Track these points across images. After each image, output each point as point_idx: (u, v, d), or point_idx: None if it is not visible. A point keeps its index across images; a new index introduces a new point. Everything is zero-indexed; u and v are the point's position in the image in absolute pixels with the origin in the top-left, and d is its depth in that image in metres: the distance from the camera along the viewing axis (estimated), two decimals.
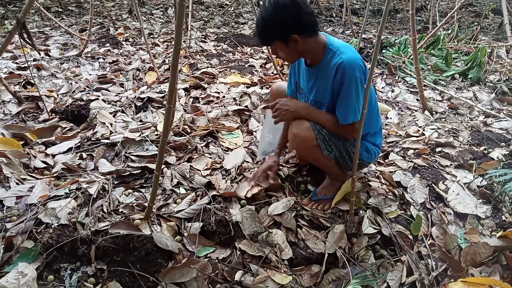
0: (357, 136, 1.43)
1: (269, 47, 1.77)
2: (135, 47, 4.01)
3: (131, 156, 1.98)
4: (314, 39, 1.51)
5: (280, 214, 1.68)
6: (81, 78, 3.00)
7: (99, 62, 3.41)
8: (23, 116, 2.33)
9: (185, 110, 2.58)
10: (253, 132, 2.38)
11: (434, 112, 2.77)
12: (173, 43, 3.75)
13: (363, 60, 1.54)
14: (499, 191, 1.80)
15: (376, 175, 1.98)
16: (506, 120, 2.59)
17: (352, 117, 1.52)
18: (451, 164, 2.07)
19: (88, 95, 2.69)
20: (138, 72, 3.23)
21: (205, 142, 2.20)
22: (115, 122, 2.33)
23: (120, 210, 1.61)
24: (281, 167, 1.98)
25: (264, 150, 1.90)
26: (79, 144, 2.07)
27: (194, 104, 2.68)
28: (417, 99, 2.97)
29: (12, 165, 1.79)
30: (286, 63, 3.71)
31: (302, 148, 1.66)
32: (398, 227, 1.68)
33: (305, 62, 1.66)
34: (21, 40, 1.99)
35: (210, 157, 2.04)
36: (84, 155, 1.98)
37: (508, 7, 4.01)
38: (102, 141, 2.08)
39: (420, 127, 2.55)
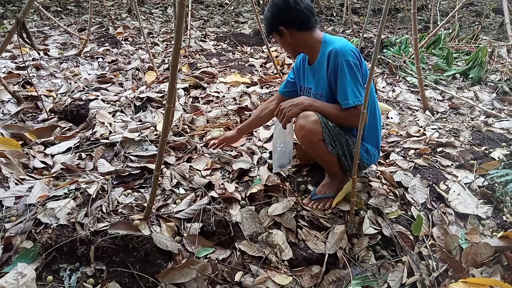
0: (358, 132, 1.41)
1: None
2: (135, 47, 4.00)
3: (131, 156, 1.98)
4: (307, 34, 1.63)
5: (280, 215, 1.67)
6: (80, 77, 3.00)
7: (98, 62, 3.41)
8: (22, 116, 2.33)
9: (184, 110, 2.58)
10: (253, 132, 2.37)
11: (435, 112, 2.77)
12: (172, 42, 3.74)
13: (356, 50, 1.59)
14: (500, 191, 1.79)
15: (377, 175, 1.97)
16: (507, 120, 2.58)
17: (352, 98, 1.54)
18: (452, 164, 2.06)
19: (87, 94, 2.69)
20: (137, 71, 3.22)
21: (205, 142, 2.19)
22: (114, 122, 2.32)
23: (120, 210, 1.60)
24: None
25: (279, 162, 1.87)
26: (78, 144, 2.06)
27: (193, 104, 2.67)
28: (418, 99, 2.96)
29: (11, 165, 1.78)
30: (286, 63, 3.72)
31: (307, 140, 1.66)
32: (399, 227, 1.67)
33: (308, 62, 1.73)
34: (20, 40, 1.98)
35: (210, 157, 2.03)
36: (83, 155, 1.97)
37: (509, 7, 3.99)
38: (101, 141, 2.07)
39: (421, 127, 2.54)
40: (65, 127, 2.26)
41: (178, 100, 2.65)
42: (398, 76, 3.42)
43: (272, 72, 3.43)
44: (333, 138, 1.62)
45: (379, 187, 1.87)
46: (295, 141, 2.03)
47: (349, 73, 1.52)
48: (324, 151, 1.65)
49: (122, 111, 2.49)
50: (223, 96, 2.83)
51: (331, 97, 1.63)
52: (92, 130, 2.22)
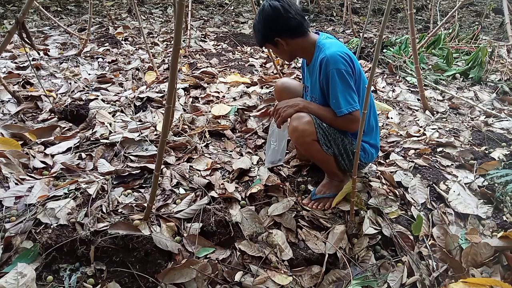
0: (359, 133, 1.41)
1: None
2: (135, 47, 4.00)
3: (130, 156, 1.97)
4: (302, 39, 1.63)
5: (280, 215, 1.67)
6: (80, 77, 2.99)
7: (98, 62, 3.40)
8: (22, 116, 2.32)
9: (184, 110, 2.57)
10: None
11: (435, 112, 2.77)
12: (172, 42, 3.75)
13: (349, 54, 1.58)
14: (500, 191, 1.79)
15: (377, 175, 1.97)
16: (507, 120, 2.58)
17: (345, 106, 1.55)
18: (452, 164, 2.06)
19: (87, 94, 2.69)
20: (137, 71, 3.22)
21: (205, 143, 2.20)
22: (114, 122, 2.32)
23: (120, 210, 1.60)
24: (281, 167, 1.97)
25: (272, 158, 1.91)
26: (78, 144, 2.06)
27: (193, 104, 2.67)
28: (418, 99, 2.96)
29: (11, 165, 1.78)
30: (286, 63, 3.72)
31: (301, 141, 1.67)
32: (399, 227, 1.67)
33: (306, 62, 1.75)
34: (20, 40, 1.98)
35: (210, 157, 2.03)
36: (83, 155, 1.97)
37: (509, 7, 3.99)
38: (101, 141, 2.07)
39: (421, 127, 2.54)
40: (65, 127, 2.26)
41: (178, 100, 2.65)
42: (398, 76, 3.42)
43: (272, 72, 3.43)
44: (327, 138, 1.63)
45: (379, 187, 1.87)
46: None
47: (340, 81, 1.53)
48: (319, 152, 1.65)
49: (122, 111, 2.49)
50: (223, 96, 2.82)
51: (324, 101, 1.66)
52: (92, 130, 2.22)
